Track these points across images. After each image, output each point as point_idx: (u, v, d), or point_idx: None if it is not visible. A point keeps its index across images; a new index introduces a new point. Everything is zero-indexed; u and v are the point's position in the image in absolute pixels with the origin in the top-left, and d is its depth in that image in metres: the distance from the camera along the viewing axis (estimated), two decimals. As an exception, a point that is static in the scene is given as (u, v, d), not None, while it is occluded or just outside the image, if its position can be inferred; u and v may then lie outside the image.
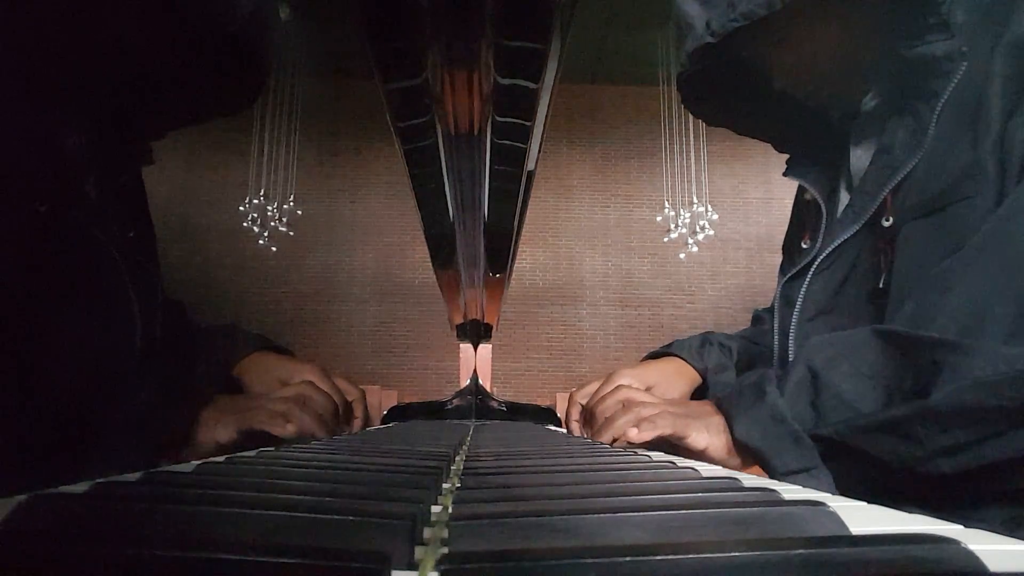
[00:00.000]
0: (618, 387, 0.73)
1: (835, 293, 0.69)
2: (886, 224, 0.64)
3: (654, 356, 0.88)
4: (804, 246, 0.76)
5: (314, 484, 0.30)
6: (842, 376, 0.54)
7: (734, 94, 0.80)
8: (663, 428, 0.60)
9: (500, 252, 0.83)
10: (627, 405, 0.65)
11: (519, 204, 0.68)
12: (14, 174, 0.55)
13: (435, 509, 0.25)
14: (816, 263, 0.70)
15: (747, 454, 0.59)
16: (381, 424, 1.14)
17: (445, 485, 0.32)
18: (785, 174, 0.83)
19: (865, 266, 0.67)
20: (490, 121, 0.50)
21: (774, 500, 0.25)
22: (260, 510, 0.21)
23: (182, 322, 0.79)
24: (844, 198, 0.74)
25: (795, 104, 0.75)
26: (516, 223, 0.74)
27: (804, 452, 0.54)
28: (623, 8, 5.20)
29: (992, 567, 0.16)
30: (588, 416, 0.74)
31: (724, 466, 0.60)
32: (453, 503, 0.26)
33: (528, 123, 0.50)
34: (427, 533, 0.21)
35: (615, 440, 0.63)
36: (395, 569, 0.17)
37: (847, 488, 0.52)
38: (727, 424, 0.60)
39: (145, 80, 0.67)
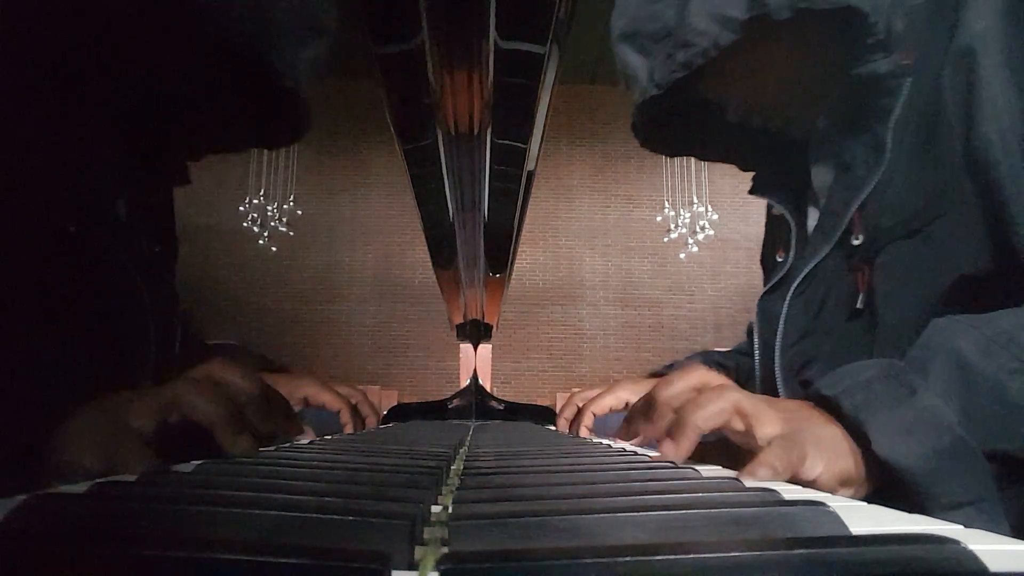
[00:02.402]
0: (687, 371, 0.53)
1: (815, 315, 0.68)
2: (856, 242, 0.63)
3: (655, 376, 0.87)
4: (779, 259, 0.76)
5: (314, 484, 0.30)
6: (1005, 371, 0.42)
7: (690, 129, 0.80)
8: (779, 470, 0.39)
9: (500, 252, 0.83)
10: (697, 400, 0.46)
11: (519, 204, 0.68)
12: (48, 194, 0.56)
13: (435, 509, 0.25)
14: (793, 286, 0.70)
15: (878, 480, 0.42)
16: (381, 424, 1.14)
17: (445, 485, 0.32)
18: (751, 192, 0.83)
19: (841, 286, 0.66)
20: (490, 121, 0.50)
21: (774, 500, 0.25)
22: (260, 510, 0.21)
23: (186, 337, 0.79)
24: (813, 212, 0.74)
25: (753, 129, 0.76)
26: (516, 223, 0.74)
27: (979, 476, 0.40)
28: (623, 8, 5.20)
29: (992, 567, 0.16)
30: (641, 413, 0.55)
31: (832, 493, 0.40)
32: (453, 503, 0.26)
33: (528, 123, 0.50)
34: (427, 533, 0.21)
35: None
36: (395, 569, 0.17)
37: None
38: (853, 435, 0.43)
39: (182, 105, 0.68)
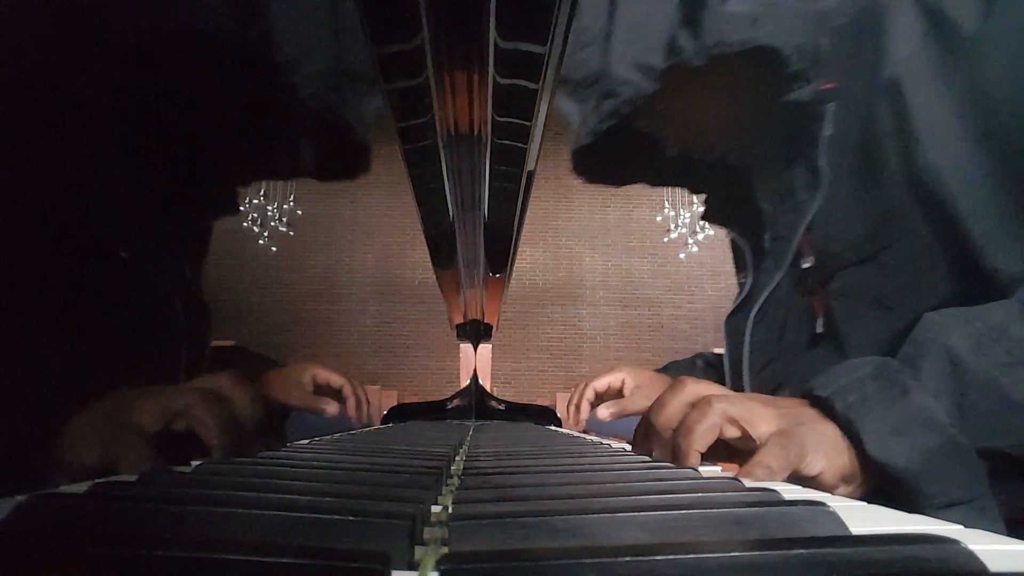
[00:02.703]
0: (682, 383, 0.50)
1: (778, 340, 0.69)
2: (806, 266, 0.63)
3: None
4: (741, 281, 0.77)
5: (314, 484, 0.30)
6: (997, 366, 0.41)
7: (630, 164, 0.80)
8: (775, 469, 0.39)
9: (500, 252, 0.83)
10: (700, 405, 0.44)
11: (519, 204, 0.68)
12: (107, 221, 0.58)
13: (435, 509, 0.25)
14: (754, 310, 0.70)
15: (874, 479, 0.43)
16: (381, 424, 1.14)
17: (445, 485, 0.32)
18: (703, 218, 0.84)
19: (800, 310, 0.66)
20: (490, 121, 0.50)
21: (774, 500, 0.25)
22: (260, 510, 0.21)
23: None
24: (767, 236, 0.75)
25: (694, 160, 0.76)
26: (516, 223, 0.74)
27: (972, 475, 0.40)
28: (623, 8, 5.19)
29: (992, 567, 0.16)
30: (644, 438, 0.53)
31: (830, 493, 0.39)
32: (453, 503, 0.26)
33: (528, 123, 0.50)
34: (427, 533, 0.21)
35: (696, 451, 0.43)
36: (395, 569, 0.17)
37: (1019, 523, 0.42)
38: (847, 435, 0.43)
39: (232, 137, 0.69)
